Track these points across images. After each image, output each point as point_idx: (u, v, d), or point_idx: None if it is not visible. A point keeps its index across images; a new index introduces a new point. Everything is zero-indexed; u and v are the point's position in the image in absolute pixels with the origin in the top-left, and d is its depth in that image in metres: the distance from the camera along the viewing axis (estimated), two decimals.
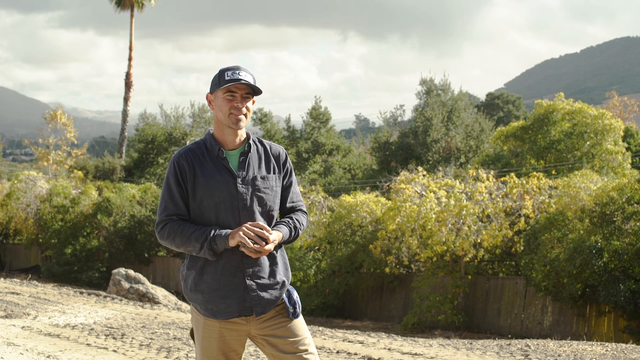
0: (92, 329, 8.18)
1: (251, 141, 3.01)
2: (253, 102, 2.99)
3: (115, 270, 13.29)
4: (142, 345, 7.10)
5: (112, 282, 13.00)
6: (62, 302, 11.14)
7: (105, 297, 12.20)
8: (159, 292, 12.64)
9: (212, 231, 2.84)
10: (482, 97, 48.31)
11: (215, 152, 2.95)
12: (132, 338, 7.53)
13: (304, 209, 3.13)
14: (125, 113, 36.35)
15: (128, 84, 36.42)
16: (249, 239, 2.78)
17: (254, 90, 2.95)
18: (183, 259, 3.41)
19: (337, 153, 34.48)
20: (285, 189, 3.07)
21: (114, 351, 6.78)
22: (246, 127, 3.06)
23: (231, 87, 2.89)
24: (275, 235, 2.86)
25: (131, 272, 13.13)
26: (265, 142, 3.08)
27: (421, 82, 31.73)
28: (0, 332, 7.70)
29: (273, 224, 3.00)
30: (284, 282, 2.98)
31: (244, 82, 2.87)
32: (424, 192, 16.89)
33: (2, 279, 17.19)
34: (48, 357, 6.43)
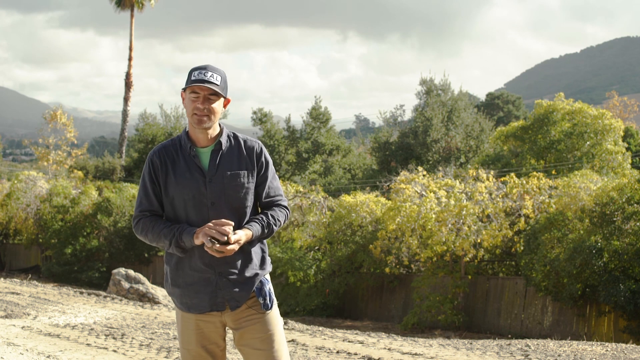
0: (92, 329, 8.18)
1: (224, 137, 3.01)
2: (228, 101, 2.99)
3: (115, 270, 13.29)
4: (142, 345, 7.11)
5: (112, 282, 13.00)
6: (62, 302, 11.15)
7: (105, 297, 12.21)
8: (159, 292, 12.65)
9: (180, 228, 2.89)
10: (482, 97, 48.33)
11: (187, 150, 2.98)
12: (132, 338, 7.53)
13: (284, 204, 3.11)
14: (125, 113, 36.35)
15: (128, 84, 36.43)
16: (211, 237, 2.78)
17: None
18: None
19: (337, 153, 34.47)
20: (260, 184, 3.05)
21: (114, 351, 6.78)
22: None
23: (195, 88, 2.90)
24: (241, 235, 2.86)
25: (131, 272, 13.13)
26: (241, 136, 3.08)
27: (421, 82, 31.75)
28: (0, 332, 7.70)
29: (245, 220, 2.99)
30: (256, 274, 3.00)
31: (206, 84, 2.87)
32: (424, 192, 16.89)
33: (2, 279, 17.20)
34: (48, 357, 6.43)
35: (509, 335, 14.24)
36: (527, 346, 8.43)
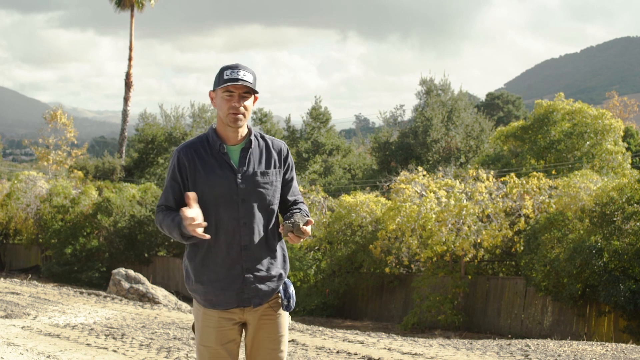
0: (92, 329, 8.18)
1: (253, 136, 3.06)
2: (256, 99, 3.02)
3: (115, 270, 13.28)
4: (142, 345, 7.10)
5: (112, 282, 13.00)
6: (62, 302, 11.14)
7: (105, 297, 12.20)
8: (159, 292, 12.64)
9: (176, 221, 2.86)
10: (482, 97, 48.33)
11: (216, 147, 3.01)
12: (132, 338, 7.53)
13: (305, 202, 3.21)
14: (125, 113, 36.34)
15: (128, 84, 36.41)
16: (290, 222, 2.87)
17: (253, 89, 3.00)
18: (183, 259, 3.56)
19: (337, 153, 34.48)
20: (287, 183, 3.13)
21: (114, 351, 6.78)
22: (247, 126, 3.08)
23: (229, 87, 2.93)
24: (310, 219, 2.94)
25: (131, 272, 13.12)
26: (267, 137, 3.13)
27: (421, 82, 31.76)
28: (0, 332, 7.70)
29: (273, 218, 3.06)
30: (281, 274, 3.06)
31: (241, 82, 2.91)
32: (424, 192, 16.89)
33: (2, 279, 17.19)
34: (48, 357, 6.43)
35: (509, 335, 14.24)
36: (527, 346, 8.43)
